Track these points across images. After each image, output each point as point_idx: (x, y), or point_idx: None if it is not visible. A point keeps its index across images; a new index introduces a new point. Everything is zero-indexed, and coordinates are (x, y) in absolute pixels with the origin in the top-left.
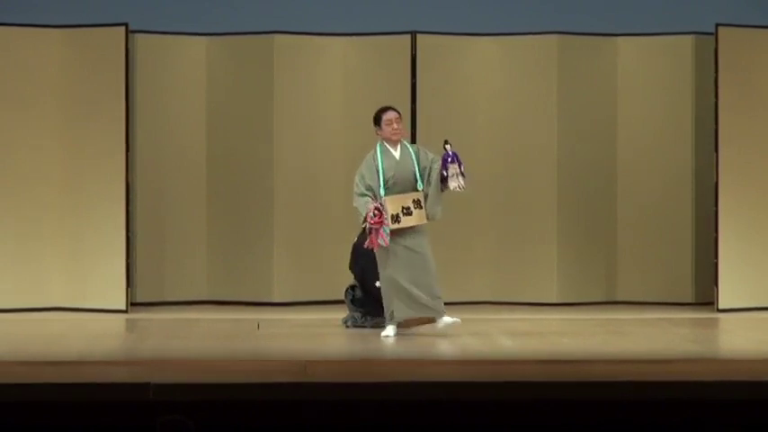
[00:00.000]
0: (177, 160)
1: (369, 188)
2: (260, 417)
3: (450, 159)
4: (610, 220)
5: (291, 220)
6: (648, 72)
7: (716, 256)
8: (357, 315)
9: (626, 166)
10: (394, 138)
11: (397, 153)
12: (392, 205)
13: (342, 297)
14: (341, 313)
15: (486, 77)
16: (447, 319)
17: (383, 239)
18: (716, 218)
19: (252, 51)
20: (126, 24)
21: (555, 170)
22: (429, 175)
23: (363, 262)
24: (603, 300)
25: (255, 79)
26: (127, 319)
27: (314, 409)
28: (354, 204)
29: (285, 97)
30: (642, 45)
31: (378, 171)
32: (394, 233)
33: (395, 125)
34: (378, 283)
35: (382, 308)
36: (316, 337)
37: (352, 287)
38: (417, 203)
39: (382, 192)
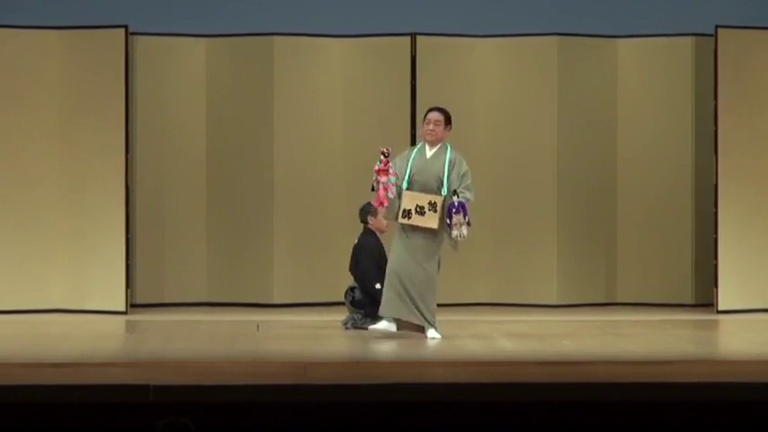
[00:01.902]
0: (177, 162)
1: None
2: (260, 419)
3: (455, 210)
4: (610, 222)
5: (291, 221)
6: (648, 73)
7: (715, 258)
8: (357, 317)
9: (626, 167)
10: (428, 138)
11: (429, 153)
12: (408, 200)
13: (342, 299)
14: (341, 315)
15: (486, 79)
16: (433, 332)
17: (391, 192)
18: (716, 219)
19: (252, 53)
20: (126, 26)
21: (555, 172)
22: (454, 192)
23: (364, 264)
24: (603, 301)
25: (255, 81)
26: (127, 321)
27: (314, 410)
28: None
29: (285, 99)
30: (642, 46)
31: (407, 163)
32: (408, 230)
33: (430, 126)
34: (378, 285)
35: None
36: (316, 338)
37: (353, 289)
38: (433, 206)
39: (405, 184)
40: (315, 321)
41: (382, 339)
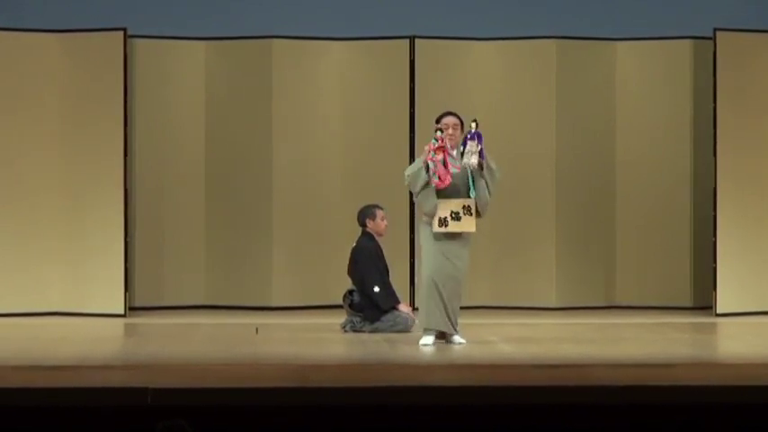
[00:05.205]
0: (176, 165)
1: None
2: (258, 421)
3: (470, 137)
4: (608, 225)
5: (290, 224)
6: (647, 76)
7: (714, 261)
8: (356, 320)
9: (625, 170)
10: (449, 143)
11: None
12: (442, 208)
13: (340, 302)
14: (339, 318)
15: (485, 82)
16: (458, 338)
17: (454, 166)
18: (714, 222)
19: (250, 56)
20: (124, 29)
21: (553, 175)
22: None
23: (363, 266)
24: (602, 304)
25: (254, 84)
26: (125, 324)
27: (313, 413)
28: (408, 176)
29: (284, 102)
30: (641, 49)
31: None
32: (441, 239)
33: (450, 131)
34: (376, 288)
35: (381, 312)
36: (314, 341)
37: (351, 292)
38: (467, 210)
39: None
40: (313, 324)
41: (381, 342)
